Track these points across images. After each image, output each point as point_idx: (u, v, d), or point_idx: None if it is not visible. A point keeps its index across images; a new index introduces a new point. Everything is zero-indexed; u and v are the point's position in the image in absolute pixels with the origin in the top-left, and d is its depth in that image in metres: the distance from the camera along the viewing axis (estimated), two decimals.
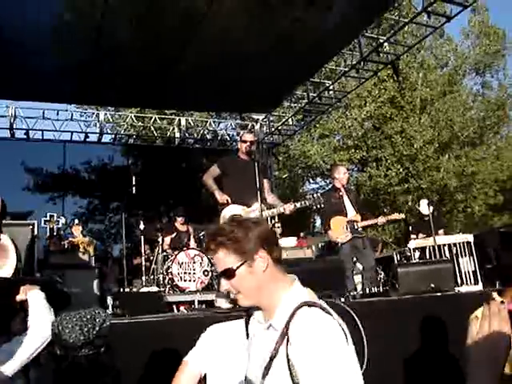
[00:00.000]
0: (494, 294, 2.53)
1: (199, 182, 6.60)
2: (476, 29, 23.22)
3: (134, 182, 7.81)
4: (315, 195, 6.00)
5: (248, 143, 5.99)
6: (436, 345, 3.99)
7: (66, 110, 12.54)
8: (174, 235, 8.98)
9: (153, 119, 13.45)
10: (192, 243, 9.05)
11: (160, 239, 8.28)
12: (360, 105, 20.85)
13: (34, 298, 2.74)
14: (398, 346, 3.90)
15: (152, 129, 13.48)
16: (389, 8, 9.04)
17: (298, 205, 5.78)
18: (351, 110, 20.94)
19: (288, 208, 5.75)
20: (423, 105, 21.67)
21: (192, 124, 14.08)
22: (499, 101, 23.39)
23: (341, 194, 7.33)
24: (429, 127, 21.09)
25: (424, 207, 8.53)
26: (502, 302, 1.29)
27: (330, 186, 8.54)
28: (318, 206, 5.81)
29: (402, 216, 7.95)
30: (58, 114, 12.09)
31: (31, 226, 7.16)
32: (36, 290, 2.80)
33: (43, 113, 11.92)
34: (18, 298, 2.76)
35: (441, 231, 8.75)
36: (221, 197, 5.79)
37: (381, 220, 7.56)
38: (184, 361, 2.39)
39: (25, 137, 12.06)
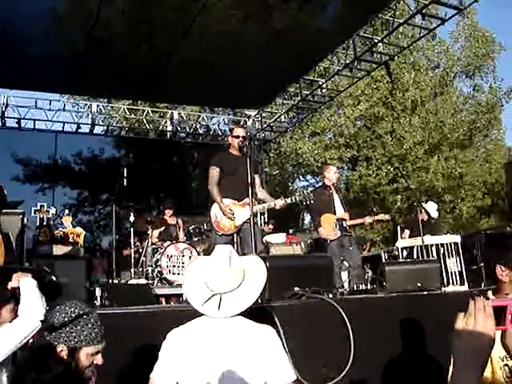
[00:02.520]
0: (489, 293, 2.59)
1: (190, 175, 6.62)
2: (465, 32, 23.32)
3: (125, 174, 7.80)
4: (305, 191, 6.08)
5: (240, 138, 6.00)
6: (422, 342, 4.05)
7: (59, 101, 12.56)
8: (163, 228, 9.00)
9: (145, 112, 13.44)
10: (181, 236, 9.08)
11: (150, 232, 8.29)
12: (353, 104, 20.91)
13: (27, 285, 2.73)
14: (385, 343, 3.95)
15: (144, 121, 13.47)
16: (383, 8, 9.08)
17: (289, 200, 5.85)
18: (344, 109, 21.00)
19: (278, 203, 5.81)
20: (414, 106, 21.76)
21: (184, 118, 14.09)
22: (489, 103, 23.53)
23: (331, 192, 7.41)
24: (419, 128, 21.18)
25: (433, 210, 8.61)
26: (488, 299, 1.34)
27: (320, 184, 8.60)
28: (308, 202, 5.88)
29: (388, 217, 8.06)
30: (50, 103, 12.07)
31: (21, 216, 7.17)
32: (29, 277, 2.79)
33: (35, 102, 11.89)
34: (10, 284, 2.74)
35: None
36: (225, 208, 5.83)
37: (368, 220, 7.66)
38: (151, 378, 2.32)
39: (16, 126, 11.99)
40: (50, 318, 2.35)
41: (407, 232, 8.89)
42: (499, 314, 1.32)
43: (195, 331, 2.37)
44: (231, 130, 6.46)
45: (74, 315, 2.32)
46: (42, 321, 2.55)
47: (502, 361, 2.43)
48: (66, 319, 2.31)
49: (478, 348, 1.27)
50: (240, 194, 5.76)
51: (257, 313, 3.54)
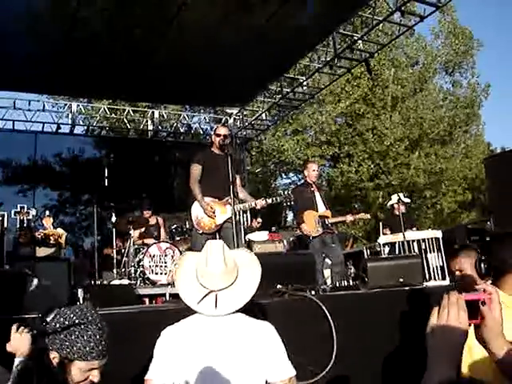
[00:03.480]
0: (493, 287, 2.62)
1: (171, 174, 6.61)
2: (445, 29, 23.52)
3: (106, 175, 7.75)
4: (285, 192, 6.12)
5: (221, 137, 6.01)
6: (404, 337, 4.08)
7: (38, 101, 12.41)
8: (143, 228, 8.97)
9: (126, 111, 13.37)
10: (163, 235, 9.05)
11: (131, 232, 8.26)
12: (333, 101, 20.99)
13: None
14: (368, 339, 3.98)
15: (125, 121, 13.40)
16: (363, 6, 9.13)
17: (269, 201, 5.92)
18: (325, 106, 21.07)
19: (259, 203, 5.86)
20: (394, 102, 21.90)
21: (165, 117, 14.04)
22: (468, 99, 23.76)
23: (312, 189, 7.43)
24: (399, 124, 21.35)
25: (395, 199, 8.68)
26: (460, 293, 1.36)
27: (302, 181, 8.63)
28: (288, 203, 5.93)
29: (368, 216, 8.14)
30: (29, 104, 11.92)
31: (0, 218, 7.10)
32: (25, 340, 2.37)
33: (14, 102, 11.74)
34: (8, 348, 2.34)
35: (414, 229, 8.91)
36: (206, 207, 5.83)
37: (349, 218, 7.70)
38: (146, 380, 2.25)
39: None
40: (52, 320, 2.15)
41: (388, 231, 8.96)
42: (473, 307, 1.34)
43: (192, 329, 2.33)
44: (214, 129, 6.49)
45: (68, 322, 2.11)
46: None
47: None
48: (59, 325, 2.11)
49: (452, 342, 1.28)
50: (221, 193, 5.78)
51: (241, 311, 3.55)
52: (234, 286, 2.38)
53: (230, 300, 2.34)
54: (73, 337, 2.08)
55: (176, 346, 2.28)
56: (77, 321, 2.11)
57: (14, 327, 2.35)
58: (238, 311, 2.36)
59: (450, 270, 3.45)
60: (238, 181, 6.01)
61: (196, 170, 6.01)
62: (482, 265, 3.11)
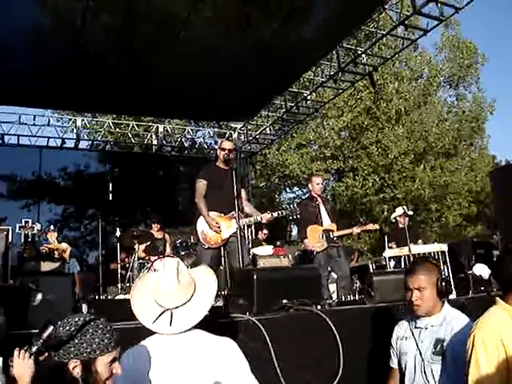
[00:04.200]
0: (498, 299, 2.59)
1: (176, 189, 6.62)
2: (449, 43, 23.58)
3: (110, 189, 7.75)
4: (291, 206, 6.11)
5: (226, 151, 6.00)
6: None
7: (43, 116, 12.47)
8: (149, 242, 8.93)
9: (130, 126, 13.40)
10: (168, 250, 9.02)
11: (136, 246, 8.23)
12: (337, 115, 21.02)
13: None
14: (374, 354, 3.94)
15: (129, 136, 13.43)
16: (366, 20, 9.16)
17: (275, 214, 5.91)
18: (328, 120, 21.09)
19: (265, 217, 5.85)
20: (398, 116, 21.91)
21: (170, 131, 14.06)
22: (473, 113, 23.75)
23: (317, 203, 7.39)
24: (404, 138, 21.34)
25: (399, 211, 8.61)
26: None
27: (306, 195, 8.60)
28: (294, 217, 5.92)
29: (376, 227, 8.04)
30: (34, 118, 12.02)
31: (5, 233, 7.09)
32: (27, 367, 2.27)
33: (19, 117, 11.81)
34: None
35: (420, 241, 8.86)
36: (211, 222, 5.82)
37: (356, 230, 7.65)
38: None
39: (0, 142, 11.90)
40: (52, 336, 2.10)
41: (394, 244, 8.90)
42: None
43: (151, 349, 2.30)
44: (219, 144, 6.48)
45: (80, 323, 2.09)
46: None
47: None
48: (72, 330, 2.07)
49: None
50: (226, 208, 5.76)
51: (245, 326, 3.52)
52: (189, 303, 2.37)
53: (185, 317, 2.33)
54: (88, 336, 2.06)
55: (135, 368, 2.25)
56: (86, 319, 2.10)
57: (16, 353, 2.31)
58: (196, 328, 2.35)
59: (406, 286, 3.17)
60: (243, 195, 5.98)
61: (201, 185, 6.00)
62: (444, 284, 3.09)
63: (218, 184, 5.89)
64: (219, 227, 5.81)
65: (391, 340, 3.44)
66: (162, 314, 2.33)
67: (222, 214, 5.87)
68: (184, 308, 2.35)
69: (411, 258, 7.28)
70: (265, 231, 11.26)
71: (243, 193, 6.04)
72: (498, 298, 2.62)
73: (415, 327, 3.22)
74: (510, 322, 2.51)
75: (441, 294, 3.11)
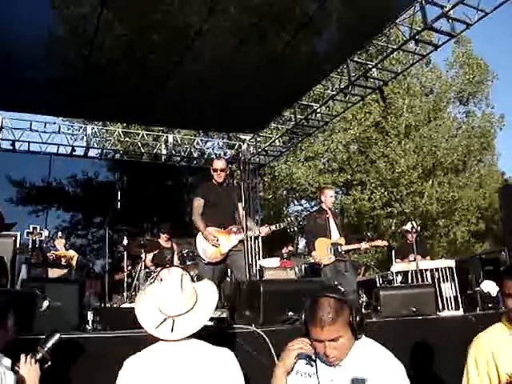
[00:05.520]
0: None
1: (184, 199, 6.65)
2: (460, 59, 23.62)
3: (118, 198, 7.77)
4: (290, 218, 6.16)
5: (218, 171, 6.02)
6: (417, 367, 4.01)
7: (54, 123, 12.53)
8: (156, 251, 8.93)
9: (140, 135, 13.45)
10: (175, 260, 9.01)
11: (143, 255, 8.23)
12: (345, 128, 21.03)
13: None
14: None
15: (139, 145, 13.48)
16: (377, 34, 9.18)
17: (273, 227, 5.96)
18: (336, 133, 21.10)
19: (263, 231, 5.89)
20: (408, 130, 21.91)
21: (179, 141, 14.11)
22: (482, 129, 23.72)
23: (327, 216, 7.37)
24: (412, 152, 21.32)
25: (409, 226, 8.58)
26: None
27: (317, 208, 8.58)
28: (292, 229, 5.94)
29: (385, 243, 8.01)
30: (45, 126, 12.08)
31: (13, 238, 7.10)
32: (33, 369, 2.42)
33: (30, 124, 11.91)
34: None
35: (428, 258, 8.83)
36: (209, 236, 5.84)
37: (364, 245, 7.64)
38: None
39: (11, 148, 12.00)
40: None
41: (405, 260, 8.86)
42: None
43: (152, 357, 2.39)
44: (210, 163, 6.46)
45: None
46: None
47: (510, 377, 2.41)
48: None
49: None
50: (224, 223, 5.87)
51: (250, 337, 3.51)
52: (191, 312, 2.47)
53: (186, 325, 2.42)
54: None
55: (138, 375, 2.33)
56: None
57: (23, 358, 2.34)
58: (194, 337, 2.43)
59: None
60: (240, 209, 6.02)
61: (197, 203, 6.04)
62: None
63: (215, 202, 5.95)
64: (217, 240, 5.82)
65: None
66: (164, 320, 2.42)
67: (220, 229, 5.90)
68: (185, 316, 2.44)
69: (418, 274, 7.25)
70: (290, 248, 11.23)
71: (240, 207, 6.05)
72: (501, 314, 2.63)
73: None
74: (506, 338, 2.51)
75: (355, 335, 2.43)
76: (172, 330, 2.37)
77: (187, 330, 2.40)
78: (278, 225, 5.99)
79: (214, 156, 14.49)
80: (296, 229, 6.05)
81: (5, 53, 8.04)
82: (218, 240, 5.83)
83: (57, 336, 2.38)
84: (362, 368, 2.34)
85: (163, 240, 9.15)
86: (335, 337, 2.28)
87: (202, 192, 6.11)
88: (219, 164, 6.12)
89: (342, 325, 2.29)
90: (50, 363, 2.41)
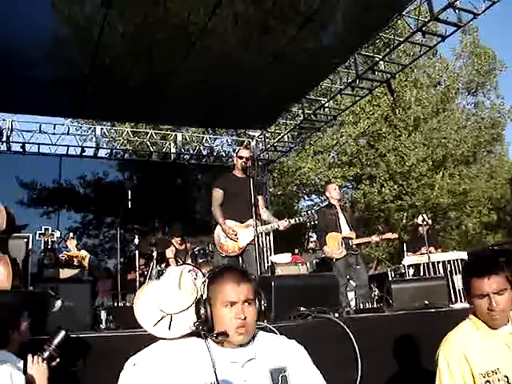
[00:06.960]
0: None
1: (194, 197, 6.64)
2: (467, 49, 23.45)
3: (129, 197, 7.80)
4: (309, 212, 6.10)
5: (244, 159, 6.01)
6: (430, 361, 4.00)
7: (63, 124, 12.59)
8: (175, 251, 8.97)
9: (149, 134, 13.48)
10: (189, 261, 9.03)
11: (154, 254, 8.25)
12: (354, 121, 20.96)
13: None
14: (392, 362, 3.91)
15: (148, 144, 13.51)
16: (384, 27, 9.14)
17: (293, 221, 5.89)
18: (345, 127, 21.04)
19: (282, 224, 5.85)
20: (417, 123, 21.80)
21: (188, 140, 14.13)
22: (492, 120, 23.57)
23: (336, 211, 7.38)
24: (421, 145, 21.22)
25: (420, 219, 8.55)
26: None
27: (326, 203, 8.58)
28: (312, 223, 5.91)
29: (396, 235, 8.00)
30: (54, 127, 12.15)
31: (26, 239, 7.14)
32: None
33: (40, 126, 11.97)
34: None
35: (439, 250, 8.79)
36: (228, 230, 5.84)
37: (375, 238, 7.63)
38: None
39: (21, 150, 12.07)
40: None
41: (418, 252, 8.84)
42: None
43: (152, 357, 2.31)
44: (236, 151, 6.51)
45: None
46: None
47: (484, 377, 2.38)
48: None
49: None
50: (243, 216, 5.78)
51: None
52: (189, 309, 2.42)
53: (183, 322, 2.38)
54: None
55: (141, 375, 2.24)
56: None
57: (30, 358, 2.34)
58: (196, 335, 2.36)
59: None
60: (260, 202, 5.98)
61: (217, 194, 6.03)
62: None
63: (235, 193, 5.91)
64: (236, 235, 5.82)
65: None
66: (162, 318, 2.41)
67: (239, 223, 5.88)
68: (183, 314, 2.42)
69: (430, 266, 7.24)
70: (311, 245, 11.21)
71: (261, 200, 6.04)
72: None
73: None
74: (475, 335, 2.49)
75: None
76: (169, 328, 2.37)
77: (184, 327, 2.35)
78: (297, 218, 5.95)
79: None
80: (317, 222, 6.02)
81: (12, 55, 8.08)
82: (236, 234, 5.83)
83: (62, 333, 2.39)
84: (275, 357, 2.25)
85: (177, 243, 9.19)
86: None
87: (222, 182, 6.12)
88: (245, 152, 6.17)
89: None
90: (58, 360, 2.42)
